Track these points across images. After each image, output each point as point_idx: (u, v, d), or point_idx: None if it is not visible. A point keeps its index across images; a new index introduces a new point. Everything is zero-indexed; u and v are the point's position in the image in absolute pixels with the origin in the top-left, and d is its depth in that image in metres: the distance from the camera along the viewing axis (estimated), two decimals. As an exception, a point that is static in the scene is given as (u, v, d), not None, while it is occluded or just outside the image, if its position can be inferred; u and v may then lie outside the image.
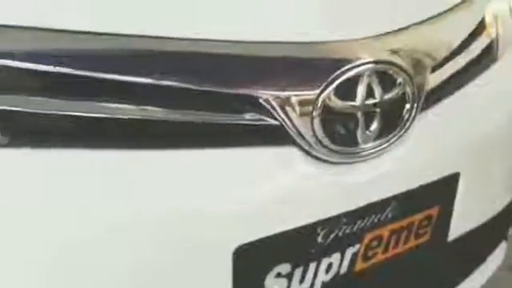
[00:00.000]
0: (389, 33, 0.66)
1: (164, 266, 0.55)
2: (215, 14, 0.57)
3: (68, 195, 0.52)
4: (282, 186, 0.62)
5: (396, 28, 0.68)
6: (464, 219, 0.82)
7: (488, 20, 0.90)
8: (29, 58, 0.52)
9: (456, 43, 0.79)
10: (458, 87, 0.78)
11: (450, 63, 0.77)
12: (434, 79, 0.73)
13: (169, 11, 0.56)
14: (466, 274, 0.93)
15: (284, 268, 0.64)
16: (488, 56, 0.87)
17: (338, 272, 0.69)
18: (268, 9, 0.60)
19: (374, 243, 0.71)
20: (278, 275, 0.64)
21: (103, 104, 0.53)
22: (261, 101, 0.59)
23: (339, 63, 0.60)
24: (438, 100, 0.73)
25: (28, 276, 0.52)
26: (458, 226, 0.82)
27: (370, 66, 0.62)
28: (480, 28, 0.88)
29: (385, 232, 0.72)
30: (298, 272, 0.66)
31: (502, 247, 1.07)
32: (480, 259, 0.97)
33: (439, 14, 0.77)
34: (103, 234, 0.52)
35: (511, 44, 0.97)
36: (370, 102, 0.63)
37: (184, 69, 0.56)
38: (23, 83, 0.52)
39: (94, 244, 0.52)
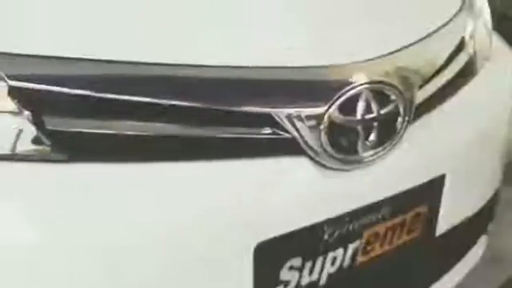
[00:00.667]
0: (382, 56, 0.76)
1: (199, 262, 0.64)
2: (240, 45, 0.67)
3: (115, 203, 0.61)
4: (294, 191, 0.72)
5: (388, 51, 0.78)
6: (449, 216, 0.93)
7: (467, 38, 1.01)
8: (82, 86, 0.61)
9: (440, 61, 0.90)
10: (443, 100, 0.89)
11: (436, 79, 0.87)
12: (421, 94, 0.84)
13: (200, 43, 0.66)
14: (451, 264, 1.04)
15: (296, 262, 0.74)
16: (468, 71, 0.98)
17: (342, 265, 0.79)
18: (282, 40, 0.69)
19: (372, 239, 0.81)
20: (291, 268, 0.74)
21: (145, 124, 0.63)
22: (276, 118, 0.69)
23: (342, 84, 0.71)
24: (426, 112, 0.84)
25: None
26: (445, 222, 0.92)
27: (367, 86, 0.73)
28: (460, 46, 0.99)
29: (381, 229, 0.82)
30: (308, 265, 0.76)
31: (483, 241, 1.18)
32: (464, 251, 1.07)
33: (425, 37, 0.88)
34: (148, 238, 0.61)
35: (487, 58, 1.08)
36: (369, 116, 0.73)
37: (217, 93, 0.65)
38: (79, 107, 0.61)
39: (142, 246, 0.61)
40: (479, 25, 1.10)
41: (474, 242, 1.11)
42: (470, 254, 1.11)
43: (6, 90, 0.60)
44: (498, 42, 1.21)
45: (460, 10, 1.05)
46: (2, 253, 0.58)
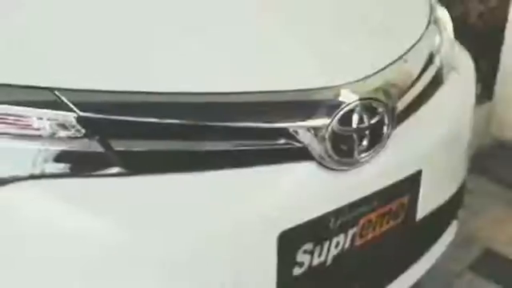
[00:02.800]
0: (369, 76, 0.95)
1: (240, 248, 0.83)
2: (263, 73, 0.85)
3: (170, 206, 0.78)
4: (305, 189, 0.90)
5: (373, 71, 0.97)
6: (426, 204, 1.13)
7: (434, 52, 1.20)
8: (139, 114, 0.77)
9: (415, 75, 1.09)
10: (418, 108, 1.09)
11: (411, 91, 1.07)
12: (401, 104, 1.03)
13: (233, 74, 0.83)
14: (429, 245, 1.23)
15: (308, 246, 0.93)
16: (436, 81, 1.18)
17: (343, 247, 0.99)
18: (292, 68, 0.88)
19: (366, 225, 1.01)
20: (305, 251, 0.93)
21: (191, 142, 0.80)
22: (291, 131, 0.88)
23: (340, 102, 0.90)
24: (405, 119, 1.04)
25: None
26: (423, 209, 1.12)
27: (359, 102, 0.92)
28: (430, 59, 1.18)
29: (373, 217, 1.02)
30: (317, 248, 0.95)
31: (454, 225, 1.38)
32: (439, 233, 1.27)
33: (402, 55, 1.07)
34: (211, 237, 0.79)
35: (452, 68, 1.28)
36: (361, 126, 0.93)
37: (247, 114, 0.85)
38: (138, 131, 0.77)
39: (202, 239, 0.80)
40: (444, 38, 1.30)
41: (447, 226, 1.32)
42: (444, 236, 1.32)
43: (75, 119, 0.76)
44: (459, 49, 1.42)
45: (427, 26, 1.25)
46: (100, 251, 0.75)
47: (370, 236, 1.02)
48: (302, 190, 0.90)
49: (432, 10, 1.34)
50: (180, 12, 0.90)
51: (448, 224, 1.30)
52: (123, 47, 0.82)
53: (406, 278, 1.18)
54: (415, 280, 1.25)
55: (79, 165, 0.77)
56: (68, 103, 0.76)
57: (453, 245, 1.38)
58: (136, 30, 0.86)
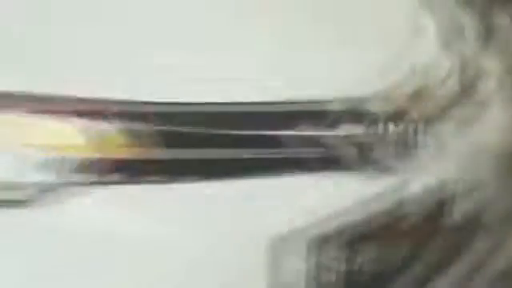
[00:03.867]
0: (400, 82, 0.96)
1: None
2: (296, 84, 0.88)
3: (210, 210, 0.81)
4: (333, 200, 0.91)
5: (404, 77, 0.98)
6: (458, 212, 1.13)
7: (462, 62, 1.21)
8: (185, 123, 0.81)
9: (442, 83, 1.10)
10: (446, 116, 1.08)
11: (440, 98, 1.07)
12: (429, 112, 1.04)
13: (265, 83, 0.86)
14: (458, 254, 1.24)
15: (336, 255, 0.94)
16: (466, 90, 1.17)
17: (371, 255, 0.98)
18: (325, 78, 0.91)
19: (395, 233, 1.01)
20: (332, 259, 0.94)
21: (227, 150, 0.82)
22: (319, 140, 0.88)
23: (366, 111, 0.91)
24: (435, 126, 1.04)
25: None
26: (454, 217, 1.12)
27: (388, 110, 0.92)
28: (457, 68, 1.19)
29: (402, 226, 1.02)
30: (344, 257, 0.95)
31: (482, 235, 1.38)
32: (468, 243, 1.27)
33: (430, 62, 1.07)
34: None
35: (478, 78, 1.28)
36: (387, 135, 0.93)
37: (280, 122, 0.86)
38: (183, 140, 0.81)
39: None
40: (471, 47, 1.30)
41: (476, 236, 1.32)
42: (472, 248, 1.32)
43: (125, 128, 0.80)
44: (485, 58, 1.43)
45: (453, 35, 1.25)
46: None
47: (400, 243, 1.04)
48: (329, 200, 0.92)
49: (456, 17, 1.36)
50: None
51: (477, 232, 1.31)
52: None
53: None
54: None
55: (130, 172, 0.81)
56: (107, 113, 0.79)
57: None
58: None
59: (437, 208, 1.05)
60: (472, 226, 1.22)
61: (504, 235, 1.36)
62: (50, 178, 0.77)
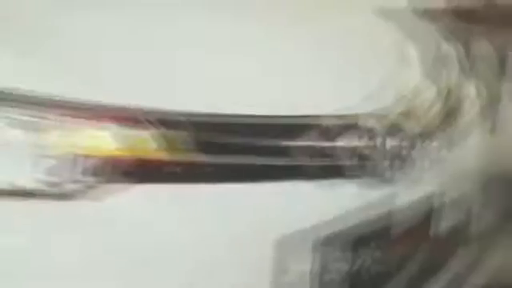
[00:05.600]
0: (396, 102, 1.14)
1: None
2: (315, 100, 1.04)
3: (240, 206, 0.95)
4: (336, 205, 1.04)
5: (400, 98, 1.15)
6: (443, 222, 1.26)
7: (447, 84, 1.37)
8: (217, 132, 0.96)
9: (432, 103, 1.25)
10: (435, 133, 1.22)
11: (429, 118, 1.22)
12: (419, 130, 1.18)
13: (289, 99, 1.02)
14: (445, 261, 1.36)
15: (337, 255, 1.06)
16: (450, 110, 1.33)
17: (370, 257, 1.11)
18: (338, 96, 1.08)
19: (391, 239, 1.14)
20: (334, 260, 1.06)
21: (257, 157, 0.98)
22: (332, 150, 1.04)
23: (371, 125, 1.07)
24: (424, 142, 1.18)
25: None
26: (440, 227, 1.25)
27: (386, 127, 1.09)
28: (443, 90, 1.34)
29: (395, 231, 1.14)
30: (345, 258, 1.08)
31: (466, 249, 1.51)
32: (454, 252, 1.40)
33: (420, 84, 1.24)
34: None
35: (461, 99, 1.44)
36: (390, 148, 1.08)
37: (300, 134, 1.01)
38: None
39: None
40: (453, 72, 1.46)
41: (460, 248, 1.45)
42: (456, 259, 1.45)
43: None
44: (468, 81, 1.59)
45: (439, 61, 1.41)
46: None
47: (393, 249, 1.16)
48: (333, 204, 1.05)
49: (441, 44, 1.52)
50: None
51: (462, 244, 1.44)
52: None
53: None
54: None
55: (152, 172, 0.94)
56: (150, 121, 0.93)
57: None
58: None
59: (425, 217, 1.18)
60: (456, 237, 1.35)
61: (486, 248, 1.49)
62: (93, 176, 0.88)
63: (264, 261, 1.02)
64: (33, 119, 0.91)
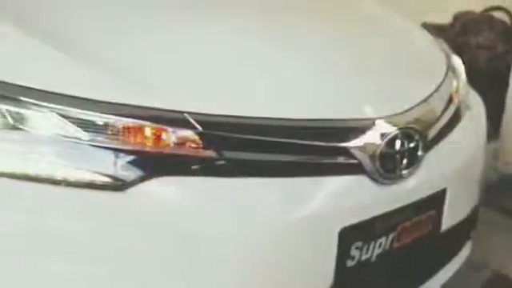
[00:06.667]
0: (409, 109, 1.29)
1: (310, 240, 1.13)
2: (338, 105, 1.21)
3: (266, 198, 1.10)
4: (359, 197, 1.18)
5: (413, 105, 1.30)
6: (449, 218, 1.42)
7: (453, 93, 1.51)
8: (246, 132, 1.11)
9: (440, 111, 1.41)
10: (442, 138, 1.40)
11: (438, 124, 1.38)
12: (430, 134, 1.34)
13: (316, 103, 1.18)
14: (449, 257, 1.50)
15: (359, 244, 1.23)
16: (456, 117, 1.49)
17: (384, 248, 1.28)
18: (356, 101, 1.24)
19: (402, 231, 1.30)
20: (356, 248, 1.22)
21: (279, 154, 1.13)
22: (349, 150, 1.19)
23: (388, 129, 1.22)
24: (433, 146, 1.35)
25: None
26: (446, 223, 1.41)
27: (401, 130, 1.25)
28: (450, 100, 1.49)
29: (408, 224, 1.30)
30: (365, 247, 1.23)
31: (469, 244, 1.65)
32: (458, 248, 1.54)
33: (430, 94, 1.39)
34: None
35: (467, 107, 1.58)
36: (402, 149, 1.25)
37: (321, 135, 1.16)
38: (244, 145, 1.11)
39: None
40: (460, 81, 1.61)
41: (464, 242, 1.59)
42: (462, 251, 1.59)
43: (195, 134, 1.08)
44: (471, 92, 1.73)
45: (447, 72, 1.56)
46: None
47: (404, 241, 1.31)
48: (356, 197, 1.21)
49: (448, 57, 1.66)
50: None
51: (465, 240, 1.59)
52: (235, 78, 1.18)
53: (432, 283, 1.47)
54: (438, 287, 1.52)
55: (196, 167, 1.09)
56: (193, 122, 1.09)
57: (464, 270, 1.63)
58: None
59: (434, 213, 1.33)
60: (460, 234, 1.49)
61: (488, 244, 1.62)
62: (140, 169, 1.04)
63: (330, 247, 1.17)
64: (96, 119, 1.06)
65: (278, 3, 1.59)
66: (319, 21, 1.51)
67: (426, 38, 1.74)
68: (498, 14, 3.02)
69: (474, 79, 1.78)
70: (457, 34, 2.89)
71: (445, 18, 3.06)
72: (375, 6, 1.79)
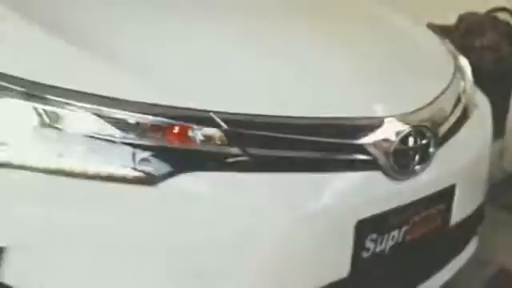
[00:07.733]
0: (422, 108, 1.38)
1: (327, 232, 1.21)
2: (354, 103, 1.29)
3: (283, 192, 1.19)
4: (374, 191, 1.26)
5: (424, 104, 1.39)
6: (457, 213, 1.50)
7: (461, 93, 1.59)
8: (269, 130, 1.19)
9: (449, 110, 1.50)
10: (452, 136, 1.49)
11: (447, 122, 1.47)
12: (440, 131, 1.41)
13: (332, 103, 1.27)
14: (457, 250, 1.58)
15: (373, 236, 1.31)
16: (464, 116, 1.57)
17: (397, 240, 1.36)
18: (371, 100, 1.31)
19: (414, 224, 1.37)
20: (371, 240, 1.30)
21: (299, 151, 1.21)
22: (365, 147, 1.27)
23: (402, 127, 1.30)
24: (443, 143, 1.43)
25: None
26: (454, 217, 1.49)
27: (413, 128, 1.33)
28: (458, 99, 1.57)
29: (419, 217, 1.38)
30: (379, 239, 1.31)
31: (475, 240, 1.73)
32: (465, 242, 1.62)
33: (440, 94, 1.48)
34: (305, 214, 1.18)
35: (475, 106, 1.66)
36: (415, 146, 1.33)
37: (337, 132, 1.25)
38: (266, 142, 1.19)
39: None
40: (467, 81, 1.69)
41: (471, 237, 1.67)
42: (468, 246, 1.67)
43: (220, 132, 1.16)
44: (477, 91, 1.81)
45: (454, 72, 1.64)
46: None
47: (416, 234, 1.39)
48: (371, 192, 1.29)
49: (455, 58, 1.74)
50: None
51: (472, 234, 1.67)
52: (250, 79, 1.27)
53: (440, 276, 1.55)
54: (445, 280, 1.59)
55: (221, 163, 1.16)
56: (219, 121, 1.17)
57: (469, 266, 1.71)
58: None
59: (444, 207, 1.40)
60: (467, 229, 1.57)
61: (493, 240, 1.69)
62: (169, 165, 1.13)
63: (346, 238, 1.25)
64: (128, 118, 1.14)
65: (297, 3, 1.68)
66: (334, 22, 1.60)
67: (434, 40, 1.83)
68: (502, 15, 3.11)
69: (479, 80, 1.87)
70: (461, 35, 2.97)
71: (449, 20, 3.14)
72: (383, 7, 1.88)
